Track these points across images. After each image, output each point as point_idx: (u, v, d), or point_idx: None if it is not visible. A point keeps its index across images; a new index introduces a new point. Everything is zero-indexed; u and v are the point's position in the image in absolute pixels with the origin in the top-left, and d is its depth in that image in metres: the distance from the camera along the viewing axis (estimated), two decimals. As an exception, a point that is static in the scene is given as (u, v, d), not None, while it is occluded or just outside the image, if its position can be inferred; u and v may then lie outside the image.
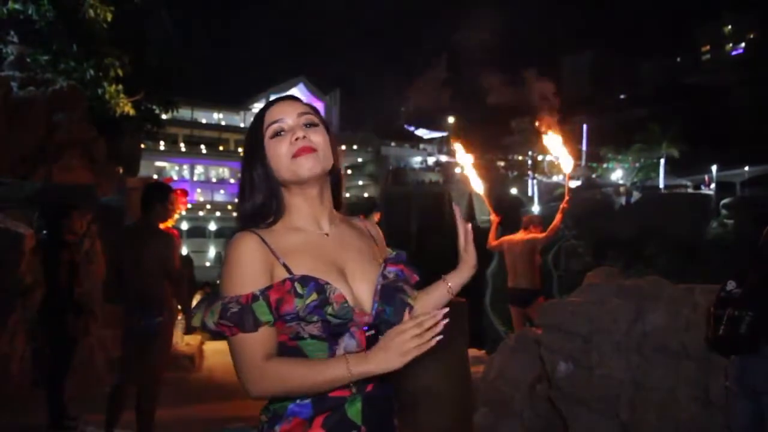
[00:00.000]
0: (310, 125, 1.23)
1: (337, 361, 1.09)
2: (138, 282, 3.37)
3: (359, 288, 1.20)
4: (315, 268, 1.16)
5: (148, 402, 3.40)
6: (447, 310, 1.10)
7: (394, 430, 1.22)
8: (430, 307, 1.34)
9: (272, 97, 1.33)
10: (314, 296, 1.10)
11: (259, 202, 1.22)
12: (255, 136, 1.24)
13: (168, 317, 3.41)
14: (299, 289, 1.11)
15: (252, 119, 1.28)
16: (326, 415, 1.13)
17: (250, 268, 1.13)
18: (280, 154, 1.21)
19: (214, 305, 1.12)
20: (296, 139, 1.20)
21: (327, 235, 1.25)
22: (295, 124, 1.22)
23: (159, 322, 3.36)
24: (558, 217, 5.63)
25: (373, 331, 1.15)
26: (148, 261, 3.37)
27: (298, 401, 1.13)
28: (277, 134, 1.22)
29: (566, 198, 5.66)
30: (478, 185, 6.04)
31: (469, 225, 1.41)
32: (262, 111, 1.26)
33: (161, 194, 3.53)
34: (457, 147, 6.11)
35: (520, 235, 5.79)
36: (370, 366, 1.07)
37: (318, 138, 1.22)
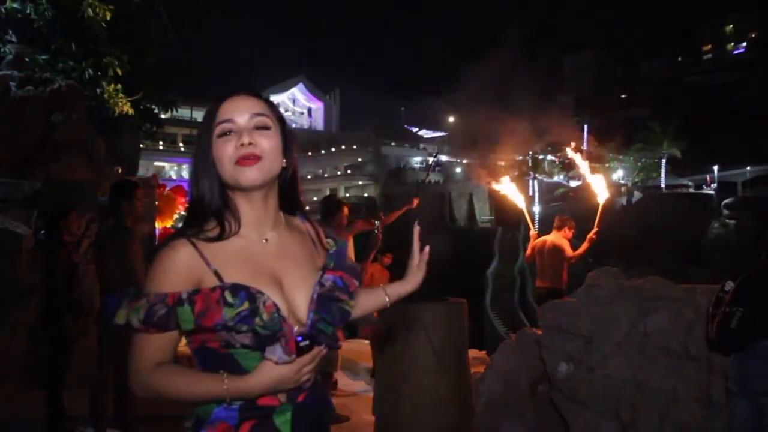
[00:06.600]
0: (262, 128, 1.18)
1: (215, 377, 1.09)
2: (114, 281, 3.38)
3: (295, 297, 1.17)
4: (249, 277, 1.12)
5: (126, 403, 3.39)
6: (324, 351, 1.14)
7: None
8: (360, 310, 1.33)
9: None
10: (246, 305, 1.07)
11: (207, 201, 1.17)
12: (204, 131, 1.18)
13: None
14: (229, 298, 1.07)
15: (205, 111, 1.23)
16: (253, 423, 1.10)
17: (175, 272, 1.11)
18: (224, 156, 1.15)
19: (140, 302, 1.09)
20: (242, 145, 1.15)
21: (266, 241, 1.21)
22: (245, 127, 1.16)
23: None
24: (585, 245, 5.70)
25: (307, 342, 1.11)
26: (121, 260, 3.38)
27: (224, 405, 1.11)
28: (224, 134, 1.16)
29: (596, 229, 5.65)
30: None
31: (427, 248, 1.39)
32: (215, 105, 1.20)
33: (126, 192, 3.54)
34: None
35: (551, 237, 5.88)
36: (248, 385, 1.08)
37: (266, 143, 1.17)
